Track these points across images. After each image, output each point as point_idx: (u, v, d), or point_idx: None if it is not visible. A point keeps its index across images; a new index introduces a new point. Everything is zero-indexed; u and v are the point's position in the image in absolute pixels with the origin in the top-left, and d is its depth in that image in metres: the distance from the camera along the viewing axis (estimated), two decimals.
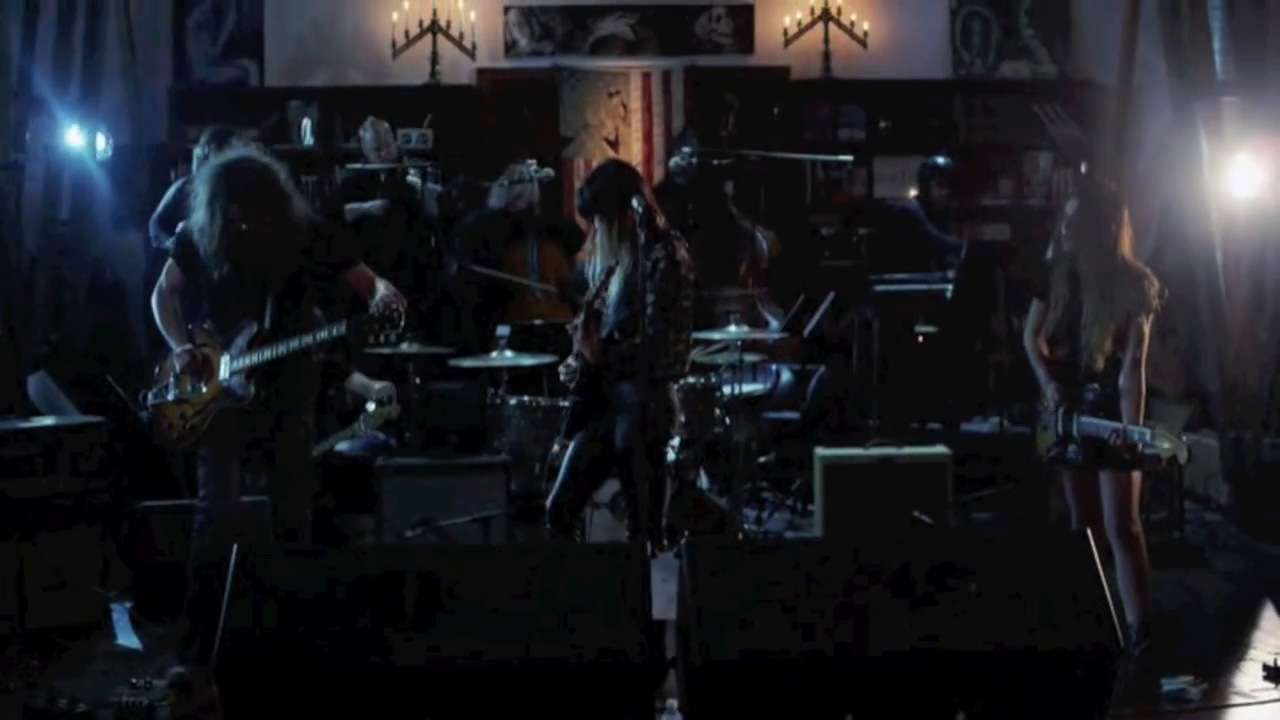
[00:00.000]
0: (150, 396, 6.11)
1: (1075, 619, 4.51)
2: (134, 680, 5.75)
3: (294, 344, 5.82)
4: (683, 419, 7.80)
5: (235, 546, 4.68)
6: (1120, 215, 5.94)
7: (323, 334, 5.84)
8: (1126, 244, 5.91)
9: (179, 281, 6.05)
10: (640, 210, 6.05)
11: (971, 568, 4.58)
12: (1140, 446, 5.65)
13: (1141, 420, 5.74)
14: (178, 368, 5.99)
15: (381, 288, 5.88)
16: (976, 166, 11.20)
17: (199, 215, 5.82)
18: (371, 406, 7.75)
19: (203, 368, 5.94)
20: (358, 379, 7.99)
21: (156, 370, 6.16)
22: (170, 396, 6.04)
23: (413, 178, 9.74)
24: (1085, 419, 5.86)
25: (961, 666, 4.46)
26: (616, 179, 6.29)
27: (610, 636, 4.47)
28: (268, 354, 5.84)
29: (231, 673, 4.48)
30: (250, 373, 5.88)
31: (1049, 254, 6.19)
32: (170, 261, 6.07)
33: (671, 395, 6.35)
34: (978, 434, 9.56)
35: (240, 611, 4.54)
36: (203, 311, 6.06)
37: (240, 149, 5.99)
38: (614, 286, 6.20)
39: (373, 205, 9.76)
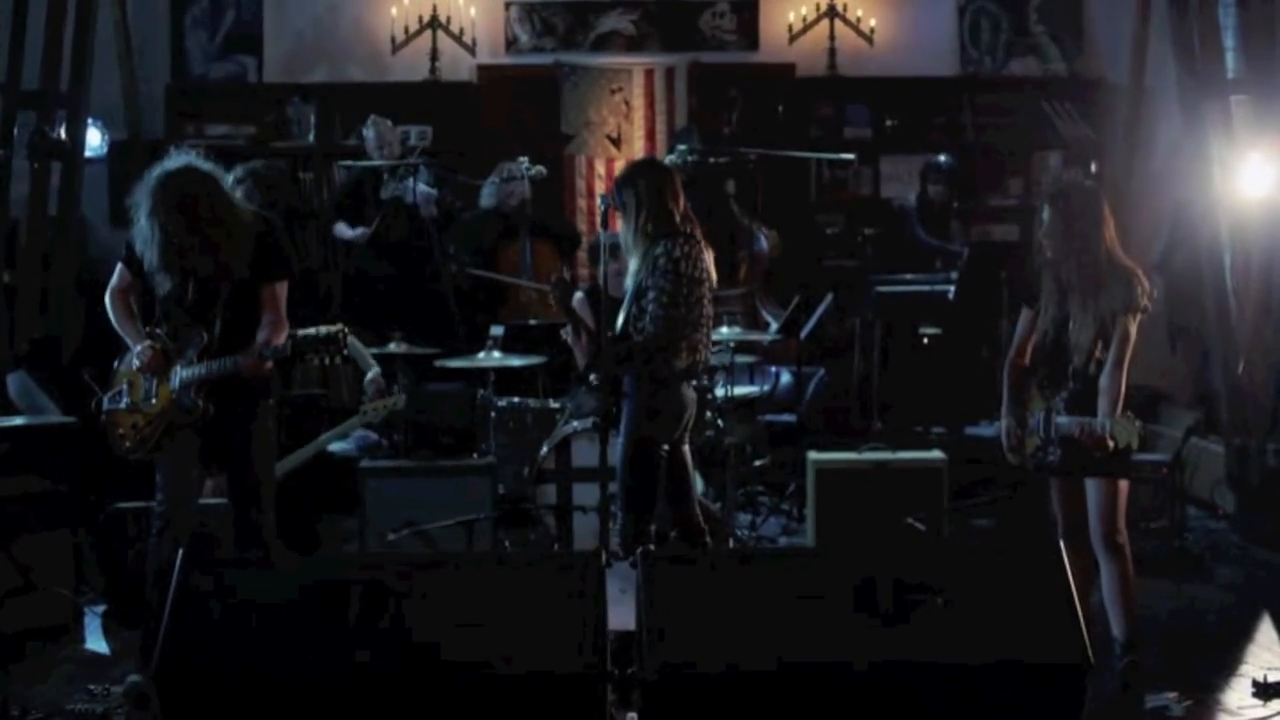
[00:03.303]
0: (105, 402, 5.95)
1: (1044, 633, 4.33)
2: (92, 687, 5.65)
3: (240, 360, 5.64)
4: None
5: (180, 553, 4.54)
6: (1098, 211, 5.70)
7: (267, 351, 5.67)
8: (1109, 239, 5.68)
9: (130, 284, 5.88)
10: (651, 207, 6.07)
11: (940, 580, 4.42)
12: (1105, 437, 5.46)
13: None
14: (137, 365, 5.79)
15: (283, 329, 5.73)
16: (985, 166, 11.04)
17: (140, 227, 5.61)
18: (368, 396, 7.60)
19: (162, 366, 5.75)
20: (354, 344, 7.84)
21: (113, 374, 6.00)
22: (123, 404, 5.87)
23: (422, 185, 9.62)
24: (1060, 419, 5.68)
25: (926, 681, 4.29)
26: (634, 176, 6.29)
27: (563, 647, 4.32)
28: (215, 368, 5.67)
29: (171, 682, 4.34)
30: (199, 386, 5.71)
31: (1037, 259, 5.97)
32: (120, 265, 5.89)
33: (680, 395, 6.25)
34: (981, 438, 9.36)
35: (182, 620, 4.41)
36: (156, 317, 5.90)
37: (181, 157, 5.71)
38: (628, 282, 6.14)
39: (358, 234, 9.69)
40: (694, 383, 6.41)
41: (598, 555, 4.52)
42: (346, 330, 5.71)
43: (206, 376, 5.69)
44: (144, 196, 5.57)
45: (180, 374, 5.73)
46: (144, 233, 5.60)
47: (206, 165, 5.68)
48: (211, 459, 5.95)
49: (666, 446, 6.23)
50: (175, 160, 5.66)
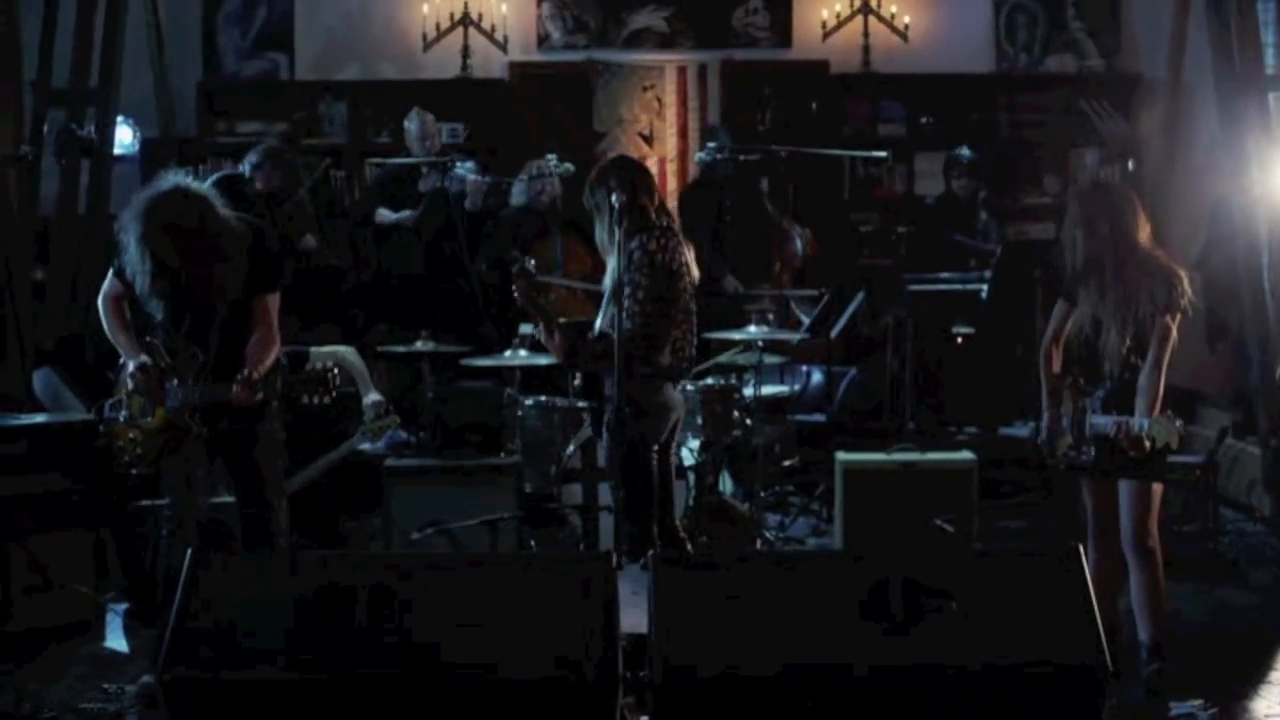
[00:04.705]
0: (106, 410, 5.79)
1: (1062, 638, 4.24)
2: (106, 687, 5.63)
3: (233, 389, 5.44)
4: (699, 421, 7.69)
5: (189, 554, 4.50)
6: (1127, 208, 5.58)
7: (259, 385, 5.46)
8: (1144, 238, 5.56)
9: (122, 291, 5.70)
10: (622, 204, 5.90)
11: (956, 584, 4.34)
12: (1143, 437, 5.34)
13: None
14: (130, 386, 5.68)
15: (273, 345, 5.59)
16: (1021, 163, 10.94)
17: (131, 254, 5.43)
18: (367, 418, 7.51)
19: (156, 387, 5.61)
20: (322, 352, 7.77)
21: (115, 381, 5.86)
22: (122, 416, 5.72)
23: (461, 170, 9.58)
24: (1095, 419, 5.56)
25: (940, 686, 4.22)
26: (604, 175, 6.17)
27: (571, 650, 4.26)
28: (208, 395, 5.52)
29: (177, 683, 4.30)
30: (194, 409, 5.57)
31: (1069, 259, 5.82)
32: (112, 273, 5.72)
33: (665, 395, 6.13)
34: (1016, 439, 9.24)
35: (188, 621, 4.37)
36: (151, 328, 5.76)
37: (170, 179, 5.49)
38: (606, 282, 6.07)
39: (405, 216, 9.64)
40: (679, 385, 6.31)
41: (608, 557, 4.46)
42: (336, 371, 5.53)
43: (201, 401, 5.56)
44: (133, 221, 5.38)
45: (176, 395, 5.59)
46: (134, 260, 5.41)
47: (197, 186, 5.50)
48: (218, 458, 5.85)
49: (656, 447, 6.14)
50: (164, 182, 5.45)
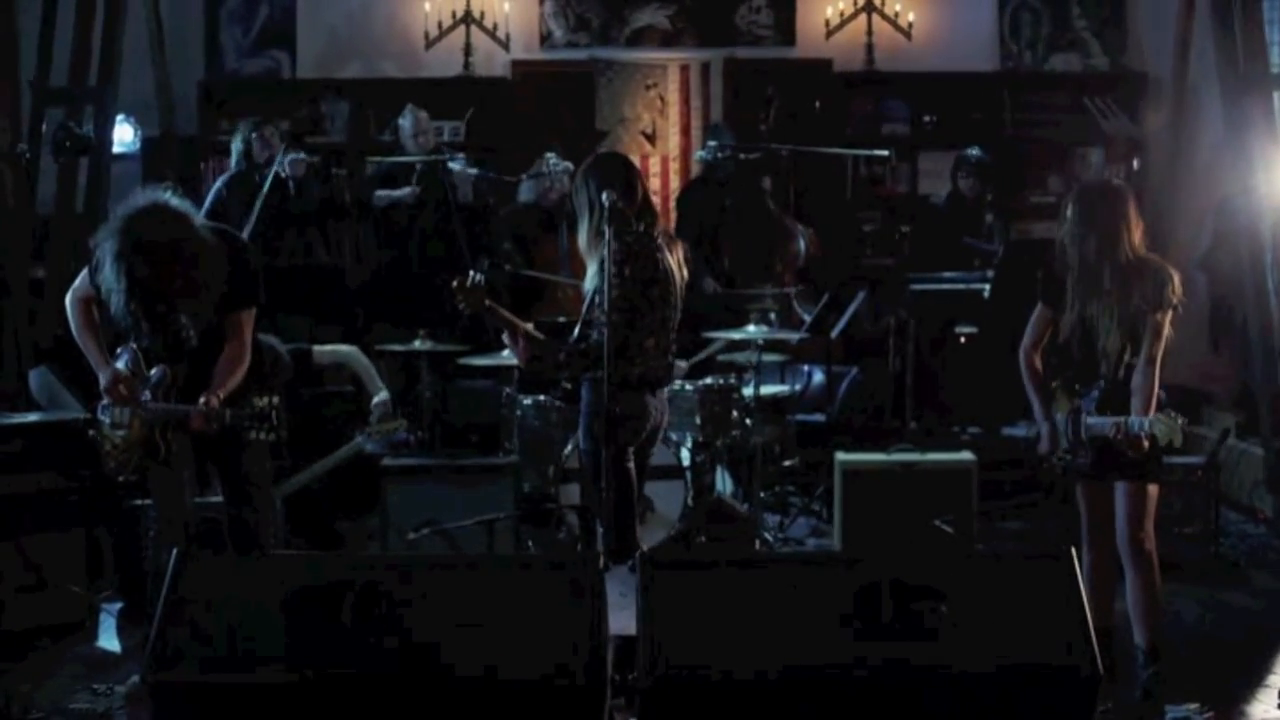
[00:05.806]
0: (98, 412, 5.69)
1: (1053, 641, 4.19)
2: (96, 687, 5.60)
3: (190, 413, 5.34)
4: (697, 420, 7.67)
5: (173, 554, 4.46)
6: (1126, 210, 5.53)
7: (212, 416, 5.34)
8: (1137, 238, 5.52)
9: (94, 294, 5.54)
10: (607, 205, 5.74)
11: (947, 586, 4.29)
12: (1141, 437, 5.30)
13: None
14: (106, 400, 5.59)
15: (243, 363, 5.49)
16: (1025, 162, 10.91)
17: (106, 272, 5.23)
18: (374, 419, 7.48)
19: (132, 398, 5.51)
20: (324, 351, 7.73)
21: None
22: (107, 421, 5.63)
23: (453, 163, 9.53)
24: (1091, 420, 5.51)
25: (929, 689, 4.17)
26: (585, 177, 6.03)
27: (559, 652, 4.22)
28: (172, 416, 5.44)
29: (163, 684, 4.27)
30: (163, 426, 5.49)
31: (1070, 259, 5.77)
32: (85, 272, 5.56)
33: (639, 404, 6.02)
34: (1017, 439, 9.20)
35: (174, 622, 4.33)
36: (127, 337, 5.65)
37: (148, 195, 5.29)
38: (586, 286, 5.99)
39: (405, 193, 9.59)
40: (664, 390, 6.21)
41: (597, 558, 4.42)
42: (278, 406, 5.40)
43: (167, 418, 5.49)
44: (109, 238, 5.23)
45: (149, 408, 5.51)
46: (109, 278, 5.25)
47: (176, 203, 5.32)
48: (205, 459, 5.81)
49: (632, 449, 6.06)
50: (143, 198, 5.29)
